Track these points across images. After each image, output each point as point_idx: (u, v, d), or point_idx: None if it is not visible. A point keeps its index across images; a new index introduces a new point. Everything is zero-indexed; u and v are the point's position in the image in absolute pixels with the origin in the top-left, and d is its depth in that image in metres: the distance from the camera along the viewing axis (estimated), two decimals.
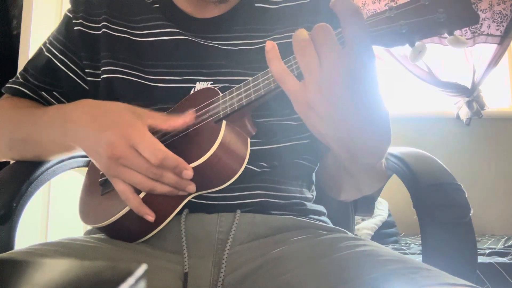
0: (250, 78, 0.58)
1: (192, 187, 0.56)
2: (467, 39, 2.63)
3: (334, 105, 0.44)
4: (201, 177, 0.56)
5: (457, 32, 0.47)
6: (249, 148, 0.59)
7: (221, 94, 0.61)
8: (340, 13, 0.43)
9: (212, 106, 0.60)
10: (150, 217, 0.55)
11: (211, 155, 0.55)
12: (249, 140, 0.60)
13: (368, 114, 0.45)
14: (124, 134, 0.53)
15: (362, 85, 0.44)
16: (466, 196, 0.64)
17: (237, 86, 0.59)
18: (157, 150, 0.52)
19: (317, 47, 0.44)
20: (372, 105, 0.45)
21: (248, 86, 0.57)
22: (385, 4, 2.67)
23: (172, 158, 0.53)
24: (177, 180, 0.55)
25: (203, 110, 0.61)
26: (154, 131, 0.57)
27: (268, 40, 0.69)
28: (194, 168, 0.55)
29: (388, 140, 0.49)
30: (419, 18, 0.46)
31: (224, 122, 0.57)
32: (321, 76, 0.44)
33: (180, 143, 0.60)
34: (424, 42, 0.48)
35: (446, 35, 0.47)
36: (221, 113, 0.58)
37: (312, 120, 0.46)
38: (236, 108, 0.57)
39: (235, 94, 0.58)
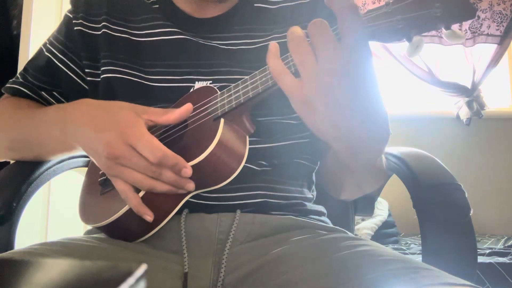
0: (248, 76, 0.58)
1: (191, 185, 0.56)
2: (467, 39, 2.63)
3: (331, 101, 0.44)
4: (200, 175, 0.56)
5: (454, 27, 0.47)
6: (247, 146, 0.59)
7: (219, 92, 0.61)
8: (336, 9, 0.43)
9: (210, 104, 0.60)
10: (149, 217, 0.56)
11: (210, 153, 0.55)
12: (247, 138, 0.60)
13: (366, 110, 0.45)
14: (123, 134, 0.53)
15: (359, 80, 0.44)
16: (466, 196, 0.64)
17: (235, 84, 0.59)
18: (156, 149, 0.53)
19: (313, 43, 0.44)
20: (370, 101, 0.45)
21: (245, 84, 0.57)
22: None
23: (171, 156, 0.53)
24: (176, 178, 0.55)
25: (202, 108, 0.61)
26: (152, 130, 0.57)
27: (267, 39, 0.69)
28: (193, 166, 0.55)
29: (386, 135, 0.49)
30: (415, 12, 0.46)
31: (222, 120, 0.57)
32: (317, 72, 0.44)
33: (178, 141, 0.60)
34: (424, 42, 0.48)
35: (443, 29, 0.47)
36: (219, 111, 0.58)
37: (310, 117, 0.46)
38: (234, 105, 0.57)
39: (233, 92, 0.58)
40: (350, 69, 0.43)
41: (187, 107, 0.58)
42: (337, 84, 0.44)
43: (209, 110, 0.59)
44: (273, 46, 0.48)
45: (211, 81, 0.66)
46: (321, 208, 0.71)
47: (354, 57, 0.43)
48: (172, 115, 0.57)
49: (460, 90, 2.66)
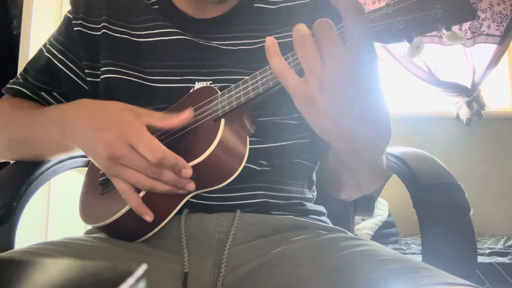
0: (248, 77, 0.58)
1: (191, 186, 0.56)
2: (467, 39, 2.63)
3: (335, 101, 0.44)
4: (201, 175, 0.56)
5: (455, 28, 0.47)
6: (248, 146, 0.59)
7: (219, 93, 0.61)
8: (342, 8, 0.43)
9: (211, 104, 0.60)
10: (149, 217, 0.56)
11: (210, 153, 0.55)
12: (248, 138, 0.60)
13: (369, 110, 0.46)
14: (123, 134, 0.53)
15: (364, 80, 0.44)
16: (466, 196, 0.64)
17: (236, 84, 0.59)
18: (156, 149, 0.53)
19: (319, 42, 0.44)
20: (373, 101, 0.46)
21: (246, 84, 0.57)
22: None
23: (171, 156, 0.53)
24: (176, 178, 0.55)
25: (202, 109, 0.61)
26: (153, 130, 0.57)
27: None
28: (193, 167, 0.55)
29: (388, 136, 0.49)
30: (416, 14, 0.46)
31: (223, 120, 0.57)
32: (322, 72, 0.44)
33: (179, 141, 0.60)
34: (424, 42, 0.48)
35: (444, 31, 0.47)
36: (219, 111, 0.58)
37: (313, 116, 0.47)
38: (234, 106, 0.57)
39: (233, 92, 0.58)
40: (354, 70, 0.44)
41: (188, 113, 0.58)
42: (341, 84, 0.44)
43: (210, 110, 0.59)
44: (271, 43, 0.48)
45: (211, 82, 0.66)
46: (321, 208, 0.71)
47: (358, 58, 0.43)
48: (173, 120, 0.57)
49: (460, 90, 2.66)
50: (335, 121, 0.46)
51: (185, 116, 0.58)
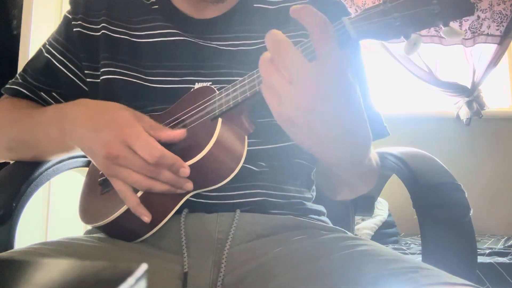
0: (246, 76, 0.58)
1: (189, 185, 0.56)
2: (467, 39, 2.63)
3: (311, 118, 0.45)
4: (199, 174, 0.56)
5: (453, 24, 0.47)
6: (246, 145, 0.59)
7: (217, 92, 0.61)
8: (306, 24, 0.42)
9: (208, 104, 0.60)
10: (146, 218, 0.56)
11: (207, 152, 0.55)
12: (246, 137, 0.60)
13: (345, 120, 0.46)
14: (120, 134, 0.54)
15: (338, 94, 0.44)
16: (466, 196, 0.64)
17: (233, 83, 0.59)
18: (154, 149, 0.53)
19: (280, 66, 0.44)
20: (352, 113, 0.46)
21: (243, 83, 0.57)
22: None
23: (169, 156, 0.53)
24: (174, 178, 0.55)
25: (200, 108, 0.61)
26: None
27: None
28: (191, 166, 0.55)
29: (368, 141, 0.51)
30: (413, 10, 0.46)
31: (220, 119, 0.57)
32: (293, 93, 0.44)
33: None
34: (422, 40, 0.48)
35: (441, 26, 0.47)
36: (216, 110, 0.58)
37: (293, 133, 0.47)
38: (231, 105, 0.57)
39: (231, 91, 0.58)
40: (327, 85, 0.43)
41: (180, 133, 0.57)
42: (316, 101, 0.44)
43: (207, 110, 0.59)
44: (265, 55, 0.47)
45: (210, 82, 0.66)
46: (321, 207, 0.71)
47: (329, 74, 0.43)
48: (162, 134, 0.56)
49: (460, 90, 2.66)
50: (314, 135, 0.46)
51: (176, 133, 0.57)
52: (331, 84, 0.43)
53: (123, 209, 0.57)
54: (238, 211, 0.61)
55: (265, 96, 0.46)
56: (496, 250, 1.89)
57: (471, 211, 0.62)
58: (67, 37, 0.74)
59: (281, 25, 0.70)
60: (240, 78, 0.59)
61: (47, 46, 0.76)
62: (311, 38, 0.43)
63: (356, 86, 0.46)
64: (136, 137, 0.53)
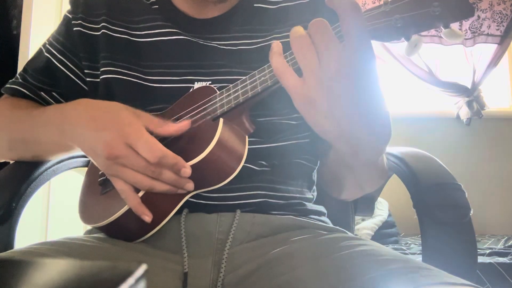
0: (247, 76, 0.58)
1: (190, 185, 0.56)
2: (467, 39, 2.63)
3: (334, 101, 0.45)
4: (200, 175, 0.56)
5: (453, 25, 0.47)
6: (247, 145, 0.59)
7: (218, 92, 0.61)
8: (338, 8, 0.43)
9: (210, 104, 0.60)
10: (147, 217, 0.56)
11: (209, 152, 0.55)
12: (247, 138, 0.60)
13: (368, 109, 0.46)
14: (122, 134, 0.53)
15: (362, 80, 0.44)
16: (466, 196, 0.64)
17: (234, 83, 0.59)
18: (155, 149, 0.53)
19: (315, 43, 0.45)
20: (373, 100, 0.46)
21: (245, 83, 0.57)
22: None
23: (170, 156, 0.53)
24: (175, 178, 0.55)
25: (201, 108, 0.61)
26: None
27: (267, 40, 0.69)
28: (192, 166, 0.55)
29: (388, 134, 0.49)
30: (414, 11, 0.46)
31: (221, 119, 0.57)
32: (320, 72, 0.44)
33: (178, 141, 0.60)
34: (423, 41, 0.48)
35: (442, 28, 0.47)
36: (218, 110, 0.58)
37: (312, 116, 0.47)
38: (233, 105, 0.57)
39: (232, 91, 0.58)
40: (352, 69, 0.44)
41: (186, 123, 0.58)
42: (339, 83, 0.44)
43: (208, 110, 0.59)
44: (276, 45, 0.49)
45: (210, 82, 0.66)
46: (321, 208, 0.71)
47: (356, 57, 0.43)
48: (169, 128, 0.57)
49: (460, 90, 2.66)
50: (334, 121, 0.46)
51: (182, 125, 0.58)
52: (356, 65, 0.44)
53: (123, 209, 0.57)
54: (238, 211, 0.61)
55: (286, 76, 0.46)
56: (496, 250, 1.89)
57: (471, 211, 0.62)
58: (67, 37, 0.74)
59: (281, 25, 0.70)
60: (240, 78, 0.59)
61: (47, 45, 0.76)
62: (341, 21, 0.43)
63: (379, 77, 0.46)
64: (137, 137, 0.53)
